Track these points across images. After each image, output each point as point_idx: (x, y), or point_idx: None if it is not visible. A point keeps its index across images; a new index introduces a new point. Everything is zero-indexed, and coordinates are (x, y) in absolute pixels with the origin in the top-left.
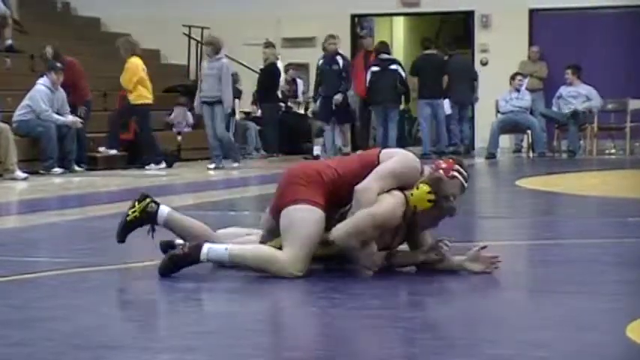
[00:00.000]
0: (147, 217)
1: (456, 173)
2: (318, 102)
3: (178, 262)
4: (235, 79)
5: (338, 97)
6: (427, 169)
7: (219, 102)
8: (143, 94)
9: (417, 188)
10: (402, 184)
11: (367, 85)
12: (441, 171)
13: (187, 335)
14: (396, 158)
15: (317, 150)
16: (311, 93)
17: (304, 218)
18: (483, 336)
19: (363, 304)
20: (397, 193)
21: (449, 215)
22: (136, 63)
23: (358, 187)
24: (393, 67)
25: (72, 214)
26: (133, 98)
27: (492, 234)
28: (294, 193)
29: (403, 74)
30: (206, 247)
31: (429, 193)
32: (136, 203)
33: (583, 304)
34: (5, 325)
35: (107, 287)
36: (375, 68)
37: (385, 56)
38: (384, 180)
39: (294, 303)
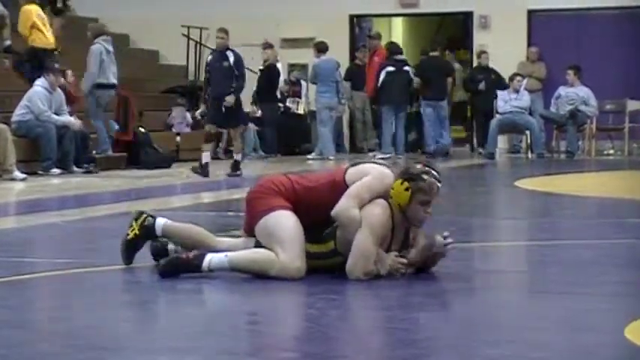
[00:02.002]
0: (146, 233)
1: (427, 172)
2: (208, 103)
3: (180, 267)
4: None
5: (229, 98)
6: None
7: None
8: (39, 37)
9: (393, 188)
10: (377, 196)
11: (380, 84)
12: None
13: (187, 335)
14: (371, 175)
15: (206, 157)
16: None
17: (279, 221)
18: (482, 336)
19: (363, 305)
20: (379, 201)
21: (434, 191)
22: (29, 9)
23: (337, 210)
24: (406, 68)
25: (71, 214)
26: (31, 41)
27: (491, 234)
28: (259, 207)
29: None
30: (209, 257)
31: (402, 183)
32: (134, 222)
33: (582, 305)
34: (5, 326)
35: (106, 287)
36: (390, 68)
37: (400, 57)
38: (359, 196)
39: (293, 304)
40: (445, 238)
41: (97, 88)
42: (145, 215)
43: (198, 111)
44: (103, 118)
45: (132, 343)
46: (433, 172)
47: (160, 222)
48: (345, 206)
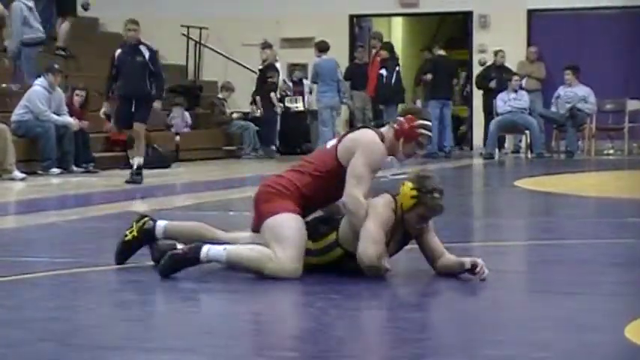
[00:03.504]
0: (145, 235)
1: (421, 130)
2: (111, 101)
3: (179, 263)
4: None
5: (157, 105)
6: (385, 130)
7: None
8: None
9: (403, 185)
10: (377, 166)
11: (385, 84)
12: (404, 127)
13: (187, 335)
14: (360, 151)
15: (137, 161)
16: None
17: (284, 222)
18: (483, 336)
19: (363, 305)
20: (385, 195)
21: (435, 213)
22: None
23: (343, 199)
24: (397, 68)
25: (70, 214)
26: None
27: (491, 234)
28: (267, 208)
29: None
30: (206, 247)
31: (412, 189)
32: (134, 224)
33: (582, 304)
34: (4, 326)
35: (106, 287)
36: (397, 68)
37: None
38: (364, 179)
39: (293, 303)
40: (474, 267)
41: (25, 45)
42: (146, 219)
43: (102, 110)
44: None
45: (132, 343)
46: (441, 193)
47: (161, 224)
48: (350, 193)
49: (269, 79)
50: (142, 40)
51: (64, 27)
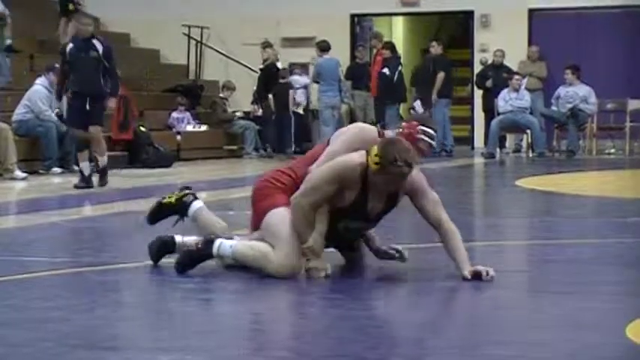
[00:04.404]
0: (180, 206)
1: (421, 136)
2: (64, 101)
3: (195, 260)
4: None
5: (112, 104)
6: (390, 133)
7: None
8: None
9: (372, 148)
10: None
11: (395, 83)
12: (405, 132)
13: (187, 335)
14: (343, 137)
15: (86, 169)
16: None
17: (283, 219)
18: (483, 336)
19: (363, 305)
20: (358, 152)
21: (398, 182)
22: None
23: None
24: (399, 67)
25: (71, 214)
26: None
27: (492, 234)
28: (264, 203)
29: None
30: (217, 243)
31: (376, 155)
32: (176, 192)
33: (582, 304)
34: (4, 325)
35: (107, 287)
36: (400, 68)
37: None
38: (333, 157)
39: (294, 303)
40: (477, 276)
41: None
42: (188, 192)
43: (56, 110)
44: None
45: (132, 343)
46: (405, 162)
47: (196, 205)
48: (295, 200)
49: (282, 80)
50: (95, 35)
51: (70, 28)
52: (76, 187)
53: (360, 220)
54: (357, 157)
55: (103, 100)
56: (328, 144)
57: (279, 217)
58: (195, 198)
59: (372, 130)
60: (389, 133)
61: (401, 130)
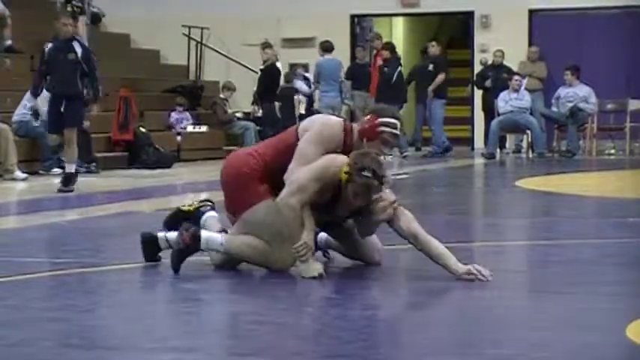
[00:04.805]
0: (195, 214)
1: (383, 127)
2: (39, 100)
3: (183, 254)
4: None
5: (94, 109)
6: (355, 127)
7: None
8: None
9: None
10: (324, 150)
11: (393, 83)
12: (365, 127)
13: (188, 335)
14: (308, 135)
15: (68, 168)
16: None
17: (268, 214)
18: (483, 336)
19: (363, 305)
20: (338, 158)
21: (364, 193)
22: None
23: (285, 176)
24: (399, 68)
25: (71, 214)
26: None
27: (492, 234)
28: (241, 199)
29: None
30: (205, 237)
31: (347, 164)
32: (197, 201)
33: (582, 304)
34: (5, 326)
35: (106, 287)
36: (400, 68)
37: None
38: (304, 157)
39: (293, 303)
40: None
41: None
42: (206, 203)
43: (30, 105)
44: None
45: (132, 343)
46: (374, 173)
47: (209, 214)
48: (292, 172)
49: (287, 84)
50: (75, 37)
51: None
52: (59, 190)
53: (329, 215)
54: (340, 162)
55: (79, 103)
56: (297, 133)
57: (263, 214)
58: (213, 209)
59: (335, 125)
60: (354, 126)
61: (360, 126)
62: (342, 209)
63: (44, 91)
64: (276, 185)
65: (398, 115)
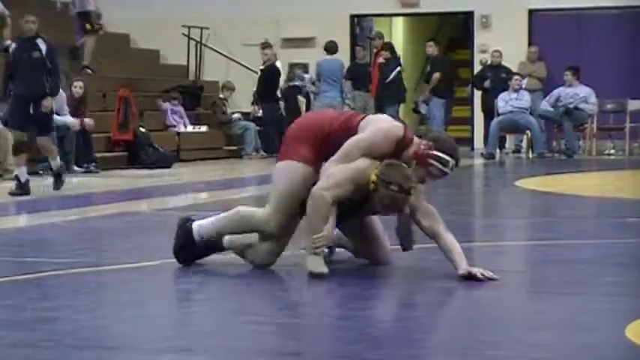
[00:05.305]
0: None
1: (434, 161)
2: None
3: (180, 253)
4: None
5: (47, 103)
6: (415, 140)
7: None
8: None
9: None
10: (370, 155)
11: (389, 83)
12: (420, 151)
13: (188, 335)
14: (361, 136)
15: (22, 173)
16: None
17: (281, 176)
18: (483, 337)
19: (363, 305)
20: (371, 161)
21: (389, 206)
22: None
23: (324, 167)
24: (399, 68)
25: (71, 214)
26: None
27: (492, 234)
28: (286, 149)
29: None
30: (196, 228)
31: (375, 175)
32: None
33: (582, 305)
34: (5, 326)
35: (106, 288)
36: (398, 68)
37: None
38: (348, 157)
39: (293, 303)
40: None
41: None
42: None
43: None
44: None
45: (132, 343)
46: (401, 188)
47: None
48: (316, 190)
49: (290, 83)
50: (39, 34)
51: (88, 44)
52: (11, 194)
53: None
54: (370, 164)
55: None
56: (359, 123)
57: (279, 175)
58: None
59: (390, 137)
60: (415, 140)
61: (417, 147)
62: (369, 208)
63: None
64: (321, 156)
65: (455, 152)
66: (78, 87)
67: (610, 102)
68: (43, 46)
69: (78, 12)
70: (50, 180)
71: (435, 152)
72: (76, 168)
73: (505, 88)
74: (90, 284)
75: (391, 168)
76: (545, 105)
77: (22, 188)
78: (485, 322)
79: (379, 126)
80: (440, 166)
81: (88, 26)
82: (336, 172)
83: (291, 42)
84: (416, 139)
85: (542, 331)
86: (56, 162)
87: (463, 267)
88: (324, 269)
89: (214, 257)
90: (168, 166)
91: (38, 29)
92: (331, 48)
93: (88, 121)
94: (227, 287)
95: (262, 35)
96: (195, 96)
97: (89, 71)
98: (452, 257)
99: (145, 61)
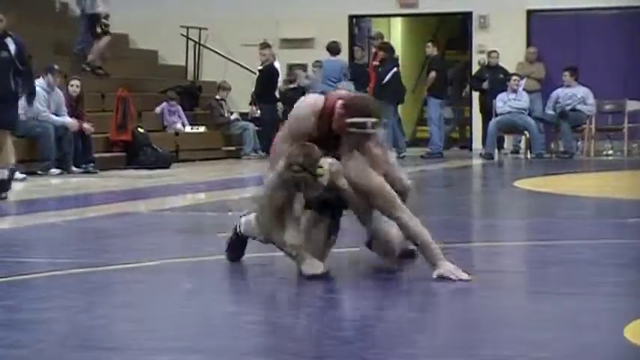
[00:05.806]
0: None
1: (351, 129)
2: None
3: (231, 248)
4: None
5: (28, 108)
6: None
7: None
8: None
9: None
10: (298, 141)
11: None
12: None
13: (187, 335)
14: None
15: (0, 173)
16: None
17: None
18: (483, 336)
19: (363, 305)
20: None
21: (300, 184)
22: None
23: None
24: (396, 68)
25: (70, 214)
26: None
27: (491, 235)
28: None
29: None
30: (242, 222)
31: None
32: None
33: (581, 305)
34: (4, 326)
35: (105, 288)
36: (395, 69)
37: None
38: (279, 155)
39: (293, 303)
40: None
41: None
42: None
43: None
44: None
45: (132, 343)
46: (301, 166)
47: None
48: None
49: (291, 85)
50: (8, 32)
51: (100, 45)
52: None
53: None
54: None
55: (10, 103)
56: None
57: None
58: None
59: (312, 106)
60: (340, 93)
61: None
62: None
63: (41, 91)
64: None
65: (367, 110)
66: (75, 86)
67: (608, 103)
68: (12, 46)
69: (88, 14)
70: (50, 180)
71: (349, 120)
72: (74, 168)
73: (503, 89)
74: (89, 284)
75: (295, 149)
76: (548, 108)
77: (2, 187)
78: (485, 322)
79: (294, 110)
80: (360, 130)
81: (98, 29)
82: (269, 177)
83: (289, 42)
84: (340, 91)
85: (542, 331)
86: (3, 171)
87: (439, 271)
88: (319, 269)
89: (214, 257)
90: (167, 167)
91: (37, 29)
92: (333, 48)
93: (87, 126)
94: (227, 287)
95: (261, 36)
96: (194, 96)
97: (101, 71)
98: (427, 259)
99: (143, 61)
